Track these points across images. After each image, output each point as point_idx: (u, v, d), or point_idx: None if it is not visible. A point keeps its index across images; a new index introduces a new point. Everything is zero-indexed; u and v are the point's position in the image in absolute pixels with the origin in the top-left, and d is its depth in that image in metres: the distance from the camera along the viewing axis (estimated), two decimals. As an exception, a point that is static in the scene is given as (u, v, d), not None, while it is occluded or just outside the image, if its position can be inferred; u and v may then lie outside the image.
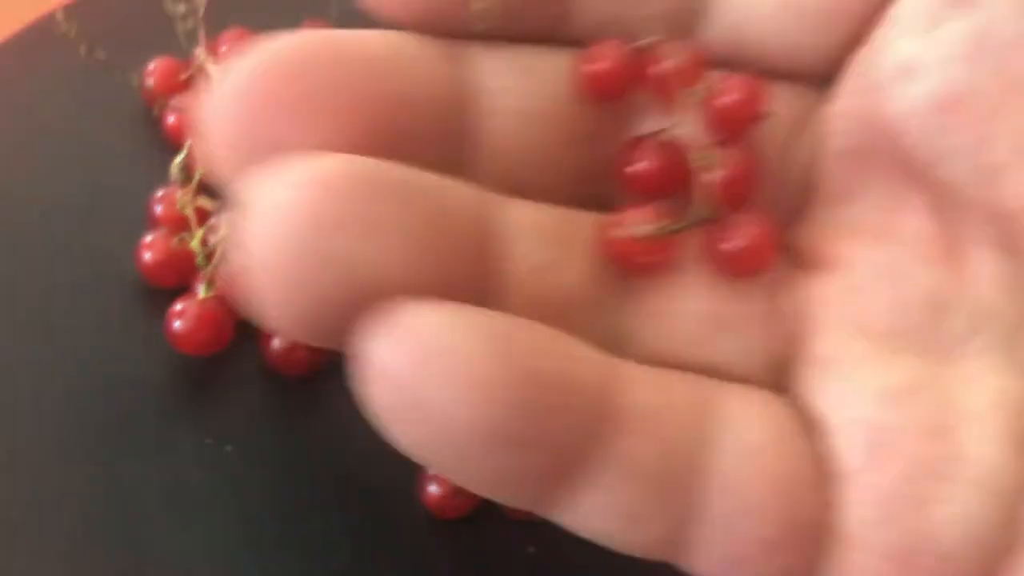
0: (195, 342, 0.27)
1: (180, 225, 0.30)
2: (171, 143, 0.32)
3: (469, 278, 0.18)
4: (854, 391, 0.19)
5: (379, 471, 0.27)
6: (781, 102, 0.21)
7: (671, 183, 0.20)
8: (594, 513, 0.18)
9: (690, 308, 0.20)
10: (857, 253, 0.20)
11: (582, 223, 0.20)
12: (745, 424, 0.19)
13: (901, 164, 0.20)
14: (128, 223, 0.30)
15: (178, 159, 0.29)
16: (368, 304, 0.16)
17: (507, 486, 0.18)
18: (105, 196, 0.31)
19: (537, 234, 0.19)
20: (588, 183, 0.21)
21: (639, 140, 0.21)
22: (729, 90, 0.20)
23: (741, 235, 0.20)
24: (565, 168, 0.21)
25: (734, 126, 0.20)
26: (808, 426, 0.19)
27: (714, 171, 0.20)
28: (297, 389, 0.29)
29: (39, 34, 0.34)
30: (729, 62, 0.21)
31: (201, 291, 0.28)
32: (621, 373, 0.19)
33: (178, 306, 0.28)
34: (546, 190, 0.20)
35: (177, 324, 0.27)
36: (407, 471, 0.26)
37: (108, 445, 0.27)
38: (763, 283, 0.21)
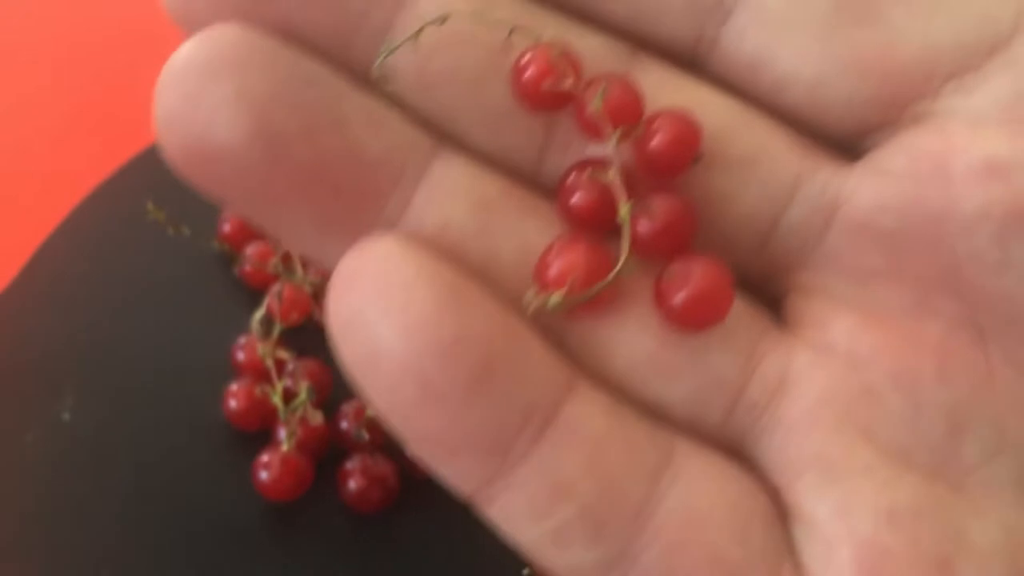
0: (280, 490, 0.30)
1: (261, 371, 0.32)
2: (248, 288, 0.35)
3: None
4: (855, 504, 0.18)
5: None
6: (788, 144, 0.20)
7: (607, 220, 0.19)
8: (517, 519, 0.18)
9: (638, 346, 0.19)
10: (873, 348, 0.19)
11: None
12: (700, 486, 0.18)
13: (942, 264, 0.19)
14: (212, 369, 0.33)
15: (258, 314, 0.32)
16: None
17: (421, 443, 0.18)
18: (190, 344, 0.34)
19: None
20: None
21: (580, 167, 0.19)
22: (662, 131, 0.19)
23: (690, 286, 0.19)
24: (487, 109, 0.20)
25: (668, 169, 0.19)
26: (775, 513, 0.19)
27: (645, 221, 0.19)
28: (373, 525, 0.31)
29: (121, 186, 0.37)
30: (741, 89, 0.20)
31: (284, 443, 0.30)
32: (576, 384, 0.18)
33: (264, 457, 0.30)
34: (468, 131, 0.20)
35: (263, 474, 0.30)
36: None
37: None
38: (738, 335, 0.19)
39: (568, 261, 0.18)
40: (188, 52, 0.18)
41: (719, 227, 0.20)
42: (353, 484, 0.30)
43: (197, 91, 0.18)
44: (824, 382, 0.19)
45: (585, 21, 0.21)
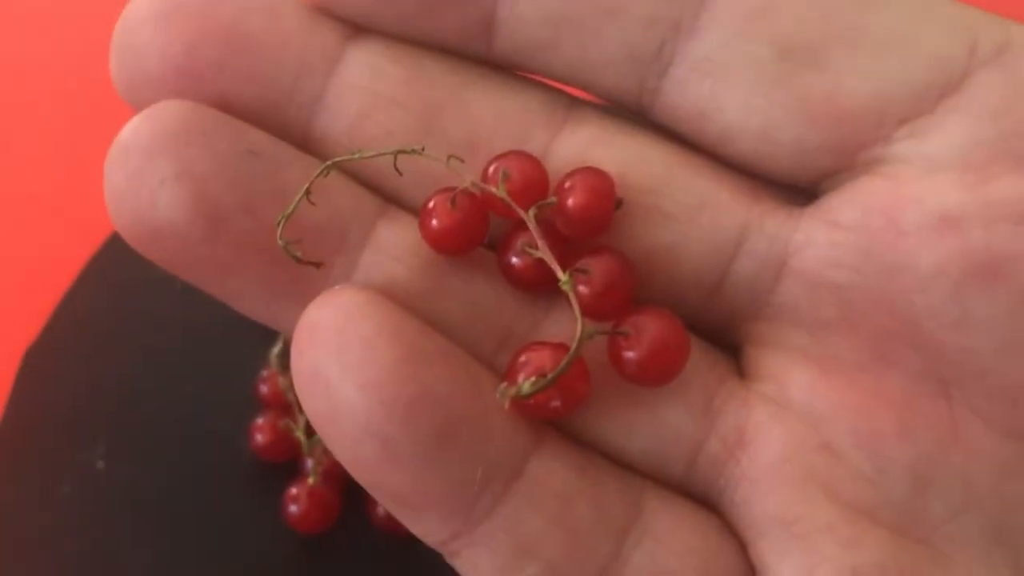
0: (310, 522, 0.30)
1: (284, 404, 0.33)
2: (267, 320, 0.35)
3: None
4: (818, 565, 0.18)
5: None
6: (733, 193, 0.20)
7: (542, 280, 0.19)
8: (483, 574, 0.18)
9: (596, 400, 0.19)
10: (832, 405, 0.19)
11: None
12: (669, 543, 0.18)
13: (900, 318, 0.18)
14: (239, 404, 0.33)
15: (276, 348, 0.32)
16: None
17: (387, 500, 0.18)
18: (215, 380, 0.35)
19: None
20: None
21: (513, 235, 0.19)
22: (576, 191, 0.19)
23: (645, 342, 0.18)
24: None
25: (591, 225, 0.19)
26: (745, 566, 0.19)
27: (584, 286, 0.19)
28: (405, 547, 0.31)
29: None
30: (689, 139, 0.20)
31: (310, 476, 0.31)
32: (543, 440, 0.18)
33: (292, 490, 0.31)
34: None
35: (293, 508, 0.30)
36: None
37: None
38: (694, 388, 0.19)
39: (537, 358, 0.18)
40: (132, 131, 0.18)
41: (665, 281, 0.20)
42: (382, 509, 0.31)
43: (140, 170, 0.18)
44: (784, 438, 0.19)
45: (521, 76, 0.21)
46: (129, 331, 0.36)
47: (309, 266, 0.19)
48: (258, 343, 0.35)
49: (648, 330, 0.18)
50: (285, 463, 0.32)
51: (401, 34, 0.20)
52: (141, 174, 0.18)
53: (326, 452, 0.31)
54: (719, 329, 0.20)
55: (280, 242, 0.18)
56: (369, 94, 0.20)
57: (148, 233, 0.18)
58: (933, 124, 0.18)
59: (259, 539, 0.31)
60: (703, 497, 0.19)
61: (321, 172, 0.19)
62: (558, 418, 0.19)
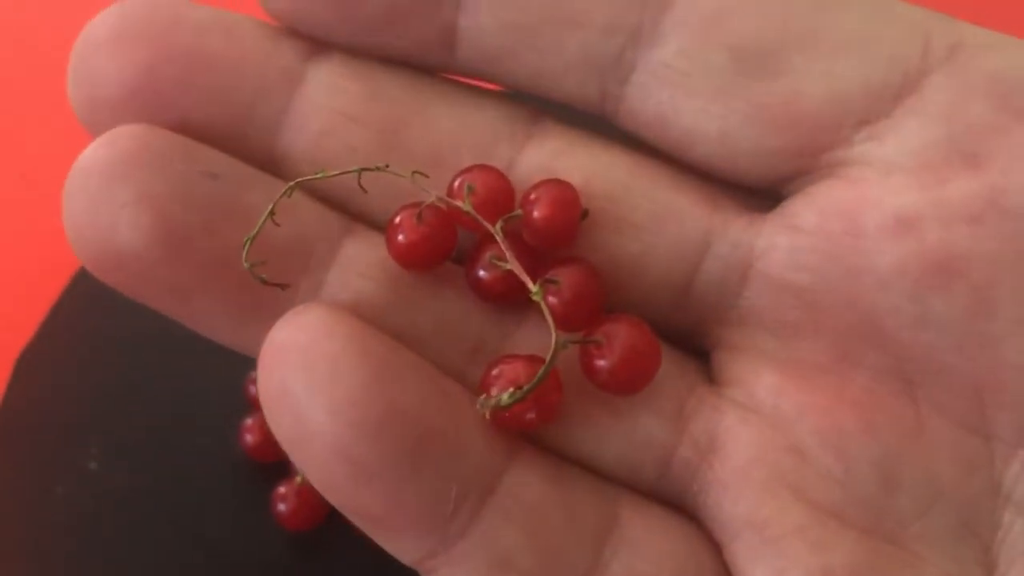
0: (298, 520, 0.31)
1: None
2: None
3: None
4: (789, 567, 0.18)
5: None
6: (695, 200, 0.20)
7: (511, 292, 0.19)
8: None
9: (568, 408, 0.19)
10: (798, 406, 0.19)
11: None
12: (645, 551, 0.18)
13: (862, 318, 0.19)
14: (229, 405, 0.34)
15: (264, 350, 0.33)
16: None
17: (360, 520, 0.18)
18: (205, 381, 0.35)
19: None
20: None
21: (483, 244, 0.20)
22: (544, 201, 0.19)
23: (617, 351, 0.18)
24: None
25: (558, 235, 0.19)
26: (721, 571, 0.19)
27: (553, 297, 0.19)
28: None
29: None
30: (650, 142, 0.20)
31: (299, 476, 0.31)
32: (516, 453, 0.18)
33: (281, 489, 0.31)
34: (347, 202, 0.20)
35: (281, 506, 0.31)
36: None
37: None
38: (665, 394, 0.19)
39: (510, 370, 0.18)
40: (90, 156, 0.18)
41: (632, 290, 0.20)
42: (371, 507, 0.31)
43: (100, 195, 0.18)
44: (752, 441, 0.19)
45: (483, 90, 0.21)
46: (122, 333, 0.36)
47: (275, 287, 0.18)
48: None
49: (619, 338, 0.19)
50: (275, 463, 0.33)
51: (363, 48, 0.20)
52: (101, 199, 0.18)
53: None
54: (688, 335, 0.21)
55: (245, 264, 0.18)
56: (330, 112, 0.20)
57: (109, 259, 0.18)
58: (891, 126, 0.18)
59: (249, 538, 0.32)
60: (677, 502, 0.20)
61: (285, 192, 0.19)
62: (532, 430, 0.19)
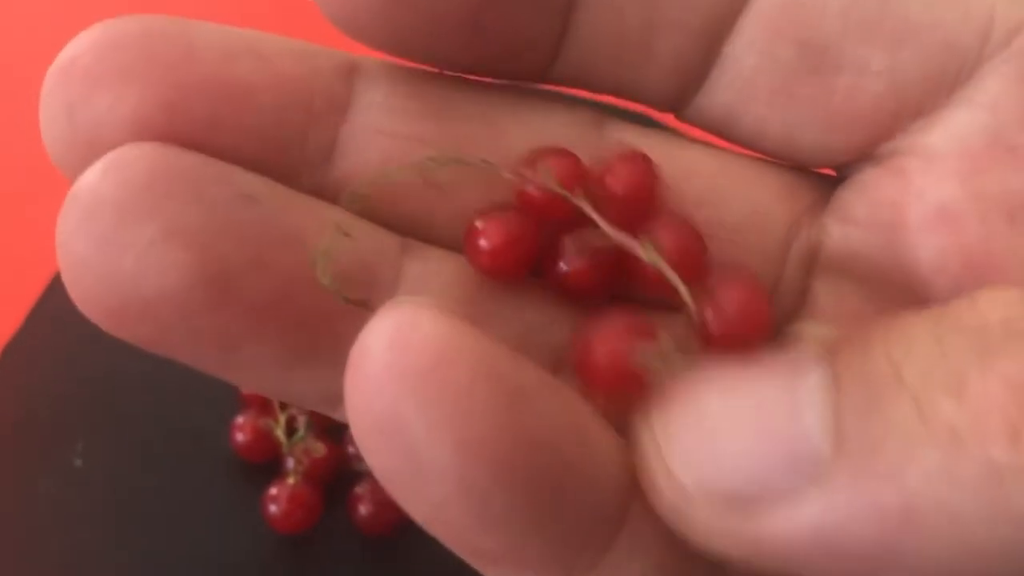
0: (290, 523, 0.30)
1: (265, 402, 0.32)
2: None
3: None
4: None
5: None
6: (776, 195, 0.19)
7: (603, 282, 0.18)
8: None
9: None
10: None
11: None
12: None
13: (915, 305, 0.18)
14: (219, 402, 0.33)
15: (256, 347, 0.32)
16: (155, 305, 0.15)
17: (475, 559, 0.15)
18: (194, 379, 0.34)
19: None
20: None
21: (560, 239, 0.18)
22: (621, 175, 0.18)
23: (729, 301, 0.17)
24: (426, 209, 0.18)
25: (637, 207, 0.18)
26: None
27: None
28: (386, 548, 0.31)
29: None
30: (715, 136, 0.19)
31: (291, 475, 0.30)
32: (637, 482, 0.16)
33: (272, 490, 0.30)
34: (396, 220, 0.18)
35: (273, 508, 0.30)
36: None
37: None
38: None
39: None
40: (94, 184, 0.15)
41: None
42: (363, 509, 0.31)
43: (114, 233, 0.15)
44: None
45: (542, 92, 0.19)
46: (106, 333, 0.35)
47: (358, 306, 0.16)
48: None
49: (734, 292, 0.17)
50: (266, 462, 0.32)
51: (438, 62, 0.18)
52: (116, 238, 0.15)
53: (307, 452, 0.31)
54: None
55: (323, 280, 0.16)
56: (391, 136, 0.18)
57: (130, 310, 0.15)
58: (942, 116, 0.18)
59: (239, 538, 0.31)
60: None
61: (352, 199, 0.17)
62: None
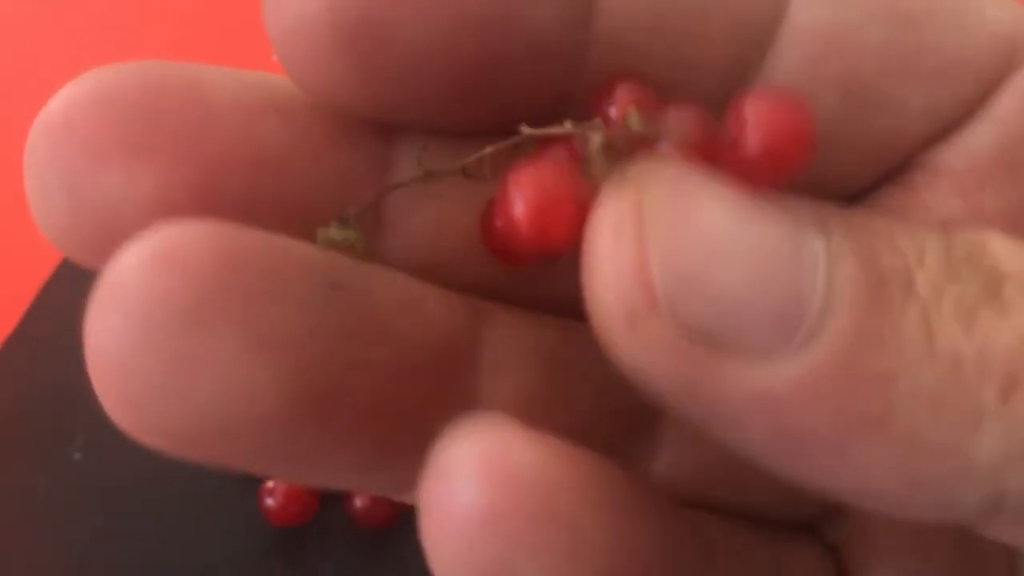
0: (286, 516, 0.30)
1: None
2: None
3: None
4: None
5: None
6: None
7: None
8: None
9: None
10: None
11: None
12: None
13: None
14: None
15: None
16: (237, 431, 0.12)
17: None
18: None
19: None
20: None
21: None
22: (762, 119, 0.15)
23: (761, 121, 0.15)
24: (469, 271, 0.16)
25: (782, 164, 0.15)
26: None
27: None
28: (382, 540, 0.31)
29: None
30: None
31: (287, 470, 0.31)
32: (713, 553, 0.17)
33: (268, 484, 0.31)
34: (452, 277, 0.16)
35: (269, 501, 0.30)
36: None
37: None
38: None
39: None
40: (141, 281, 0.12)
41: None
42: (359, 501, 0.31)
43: (182, 346, 0.12)
44: None
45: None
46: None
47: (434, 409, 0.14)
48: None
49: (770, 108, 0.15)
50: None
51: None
52: (186, 350, 0.12)
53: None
54: None
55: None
56: (439, 198, 0.16)
57: (211, 436, 0.13)
58: (962, 133, 0.18)
59: (236, 531, 0.31)
60: None
61: (344, 225, 0.15)
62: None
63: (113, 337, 0.12)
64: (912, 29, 0.18)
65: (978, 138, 0.18)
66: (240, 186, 0.14)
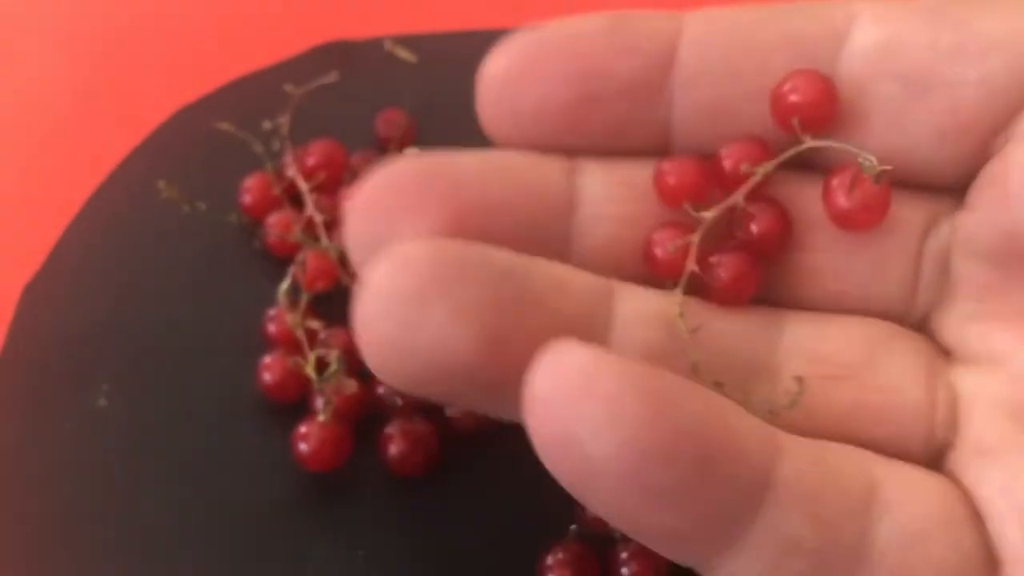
0: (320, 460, 0.29)
1: (293, 342, 0.32)
2: (273, 259, 0.34)
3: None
4: (1015, 478, 0.20)
5: (496, 555, 0.29)
6: (910, 208, 0.22)
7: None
8: None
9: (843, 399, 0.22)
10: (1010, 345, 0.21)
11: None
12: (908, 509, 0.19)
13: None
14: (244, 343, 0.33)
15: (283, 285, 0.31)
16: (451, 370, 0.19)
17: (650, 536, 0.19)
18: (219, 319, 0.34)
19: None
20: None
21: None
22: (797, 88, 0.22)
23: (856, 185, 0.22)
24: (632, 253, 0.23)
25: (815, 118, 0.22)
26: (973, 512, 0.20)
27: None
28: (416, 489, 0.30)
29: (133, 171, 0.37)
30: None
31: (320, 413, 0.30)
32: (782, 445, 0.19)
33: (302, 428, 0.30)
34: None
35: (302, 446, 0.29)
36: (527, 560, 0.28)
37: (247, 559, 0.29)
38: (915, 367, 0.22)
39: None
40: (388, 281, 0.19)
41: (869, 300, 0.23)
42: (394, 448, 0.30)
43: (412, 319, 0.19)
44: (972, 382, 0.22)
45: None
46: (130, 268, 0.35)
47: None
48: (264, 280, 0.34)
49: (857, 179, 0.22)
50: (293, 403, 0.31)
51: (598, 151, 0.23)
52: (414, 320, 0.19)
53: (337, 389, 0.30)
54: (918, 325, 0.23)
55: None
56: (614, 220, 0.23)
57: (430, 375, 0.19)
58: None
59: (266, 478, 0.30)
60: (933, 463, 0.22)
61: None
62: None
63: (369, 313, 0.19)
64: (957, 20, 0.21)
65: None
66: (476, 228, 0.21)
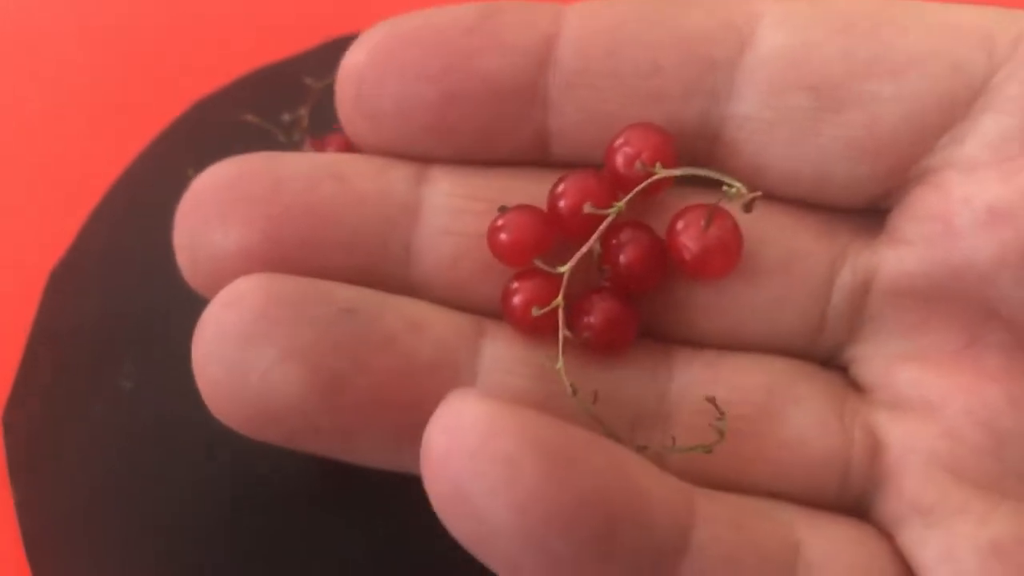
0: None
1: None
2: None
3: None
4: (957, 545, 0.18)
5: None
6: (814, 234, 0.21)
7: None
8: None
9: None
10: (942, 390, 0.20)
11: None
12: (833, 569, 0.19)
13: (979, 308, 0.19)
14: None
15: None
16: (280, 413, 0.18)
17: None
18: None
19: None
20: None
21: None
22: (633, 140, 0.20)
23: (713, 231, 0.20)
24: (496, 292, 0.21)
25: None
26: (904, 570, 0.19)
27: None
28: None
29: (160, 154, 0.38)
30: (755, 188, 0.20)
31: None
32: (696, 506, 0.18)
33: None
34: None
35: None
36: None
37: (274, 535, 0.30)
38: (825, 412, 0.20)
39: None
40: (217, 318, 0.18)
41: (770, 335, 0.21)
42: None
43: (241, 359, 0.18)
44: (905, 433, 0.20)
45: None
46: (156, 251, 0.35)
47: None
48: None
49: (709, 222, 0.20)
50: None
51: (463, 161, 0.21)
52: (243, 364, 0.18)
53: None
54: (825, 360, 0.21)
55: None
56: (459, 236, 0.20)
57: (263, 419, 0.18)
58: (968, 127, 0.19)
59: (290, 463, 0.31)
60: (854, 508, 0.20)
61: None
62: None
63: (202, 355, 0.19)
64: (873, 34, 0.20)
65: (995, 129, 0.19)
66: (299, 234, 0.20)
